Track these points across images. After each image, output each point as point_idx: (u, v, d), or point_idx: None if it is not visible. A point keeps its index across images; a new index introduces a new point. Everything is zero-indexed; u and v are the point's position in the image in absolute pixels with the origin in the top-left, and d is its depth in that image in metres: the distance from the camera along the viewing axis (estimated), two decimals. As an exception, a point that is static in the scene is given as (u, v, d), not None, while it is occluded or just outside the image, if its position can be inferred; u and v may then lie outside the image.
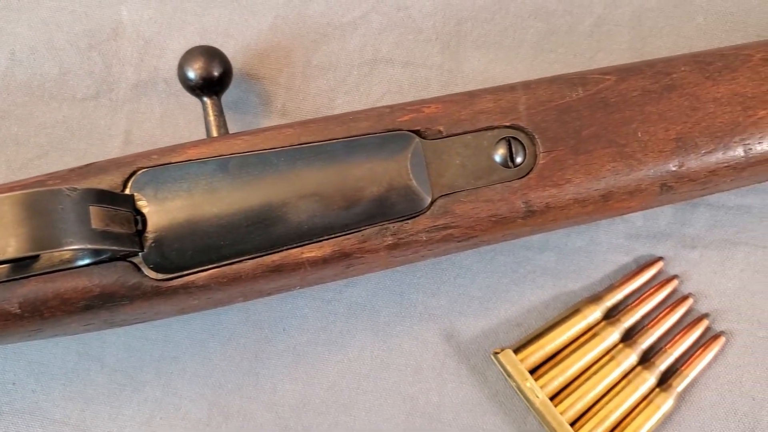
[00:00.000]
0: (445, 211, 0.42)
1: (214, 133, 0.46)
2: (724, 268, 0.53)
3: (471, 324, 0.53)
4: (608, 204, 0.43)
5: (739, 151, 0.43)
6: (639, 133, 0.43)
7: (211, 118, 0.47)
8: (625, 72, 0.44)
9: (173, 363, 0.52)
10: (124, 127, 0.54)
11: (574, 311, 0.52)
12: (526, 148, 0.43)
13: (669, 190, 0.44)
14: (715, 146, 0.43)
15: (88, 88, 0.54)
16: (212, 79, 0.48)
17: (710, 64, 0.44)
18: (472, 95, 0.43)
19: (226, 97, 0.53)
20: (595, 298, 0.52)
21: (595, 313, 0.51)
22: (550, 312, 0.53)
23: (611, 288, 0.52)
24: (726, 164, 0.43)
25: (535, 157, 0.43)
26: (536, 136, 0.43)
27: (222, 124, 0.47)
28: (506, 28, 0.55)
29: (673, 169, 0.43)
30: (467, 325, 0.53)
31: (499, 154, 0.43)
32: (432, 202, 0.42)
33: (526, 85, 0.44)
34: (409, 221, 0.42)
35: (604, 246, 0.54)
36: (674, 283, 0.53)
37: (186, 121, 0.54)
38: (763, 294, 0.53)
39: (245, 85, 0.54)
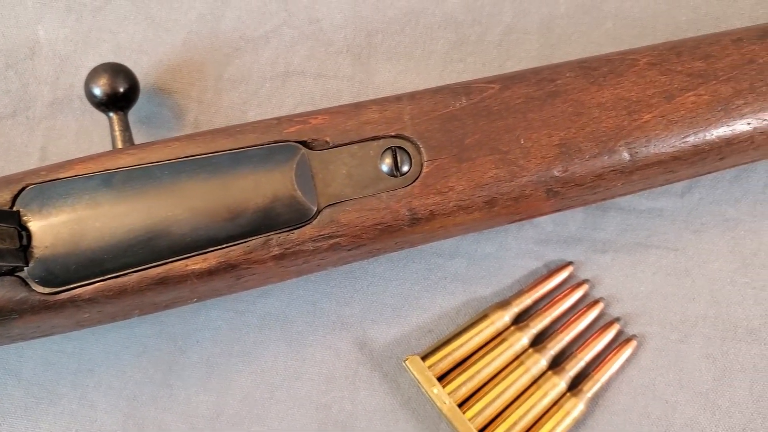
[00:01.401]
0: (330, 220, 0.43)
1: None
2: (635, 272, 0.54)
3: (384, 331, 0.53)
4: (494, 210, 0.44)
5: (625, 155, 0.44)
6: (522, 140, 0.43)
7: (117, 133, 0.48)
8: (509, 80, 0.44)
9: (89, 376, 0.53)
10: (40, 144, 0.55)
11: (482, 317, 0.52)
12: (412, 157, 0.43)
13: (556, 195, 0.44)
14: (600, 151, 0.43)
15: (5, 106, 0.55)
16: (117, 94, 0.48)
17: (596, 70, 0.45)
18: (358, 106, 0.44)
19: (140, 112, 0.54)
20: (503, 304, 0.52)
21: (503, 318, 0.52)
22: (461, 318, 0.53)
23: (520, 293, 0.53)
24: (612, 168, 0.44)
25: (421, 165, 0.43)
26: (421, 146, 0.43)
27: (128, 138, 0.48)
28: (416, 39, 0.56)
29: (558, 174, 0.43)
30: (380, 332, 0.53)
31: (386, 164, 0.43)
32: (318, 212, 0.43)
33: (412, 96, 0.44)
34: (294, 231, 0.42)
35: (513, 251, 0.54)
36: (585, 288, 0.53)
37: (100, 137, 0.55)
38: (675, 297, 0.53)
39: (158, 100, 0.55)
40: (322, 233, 0.42)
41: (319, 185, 0.43)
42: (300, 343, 0.53)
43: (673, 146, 0.44)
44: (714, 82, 0.44)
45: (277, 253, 0.42)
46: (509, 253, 0.54)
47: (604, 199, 0.47)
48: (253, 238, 0.42)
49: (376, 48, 0.56)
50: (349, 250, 0.44)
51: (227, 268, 0.42)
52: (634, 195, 0.54)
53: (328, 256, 0.44)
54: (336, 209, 0.43)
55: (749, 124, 0.44)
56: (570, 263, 0.54)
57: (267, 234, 0.42)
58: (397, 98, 0.44)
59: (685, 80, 0.44)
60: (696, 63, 0.45)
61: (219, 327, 0.53)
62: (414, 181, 0.43)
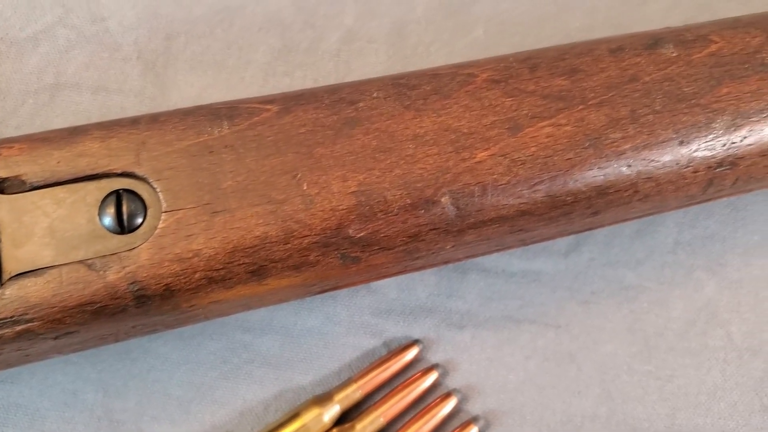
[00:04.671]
0: (18, 297, 0.29)
1: None
2: (502, 355, 0.41)
3: (167, 432, 0.40)
4: (266, 283, 0.31)
5: (449, 209, 0.31)
6: (305, 185, 0.30)
7: None
8: (293, 100, 0.32)
9: None
10: None
11: (293, 415, 0.39)
12: (147, 206, 0.30)
13: (356, 261, 0.31)
14: (413, 202, 0.31)
15: None
16: None
17: (414, 89, 0.32)
18: (74, 131, 0.31)
19: None
20: (322, 399, 0.39)
21: (320, 419, 0.38)
22: (270, 415, 0.40)
23: (348, 383, 0.39)
24: (433, 227, 0.31)
25: (158, 218, 0.30)
26: (158, 189, 0.30)
27: None
28: (230, 44, 0.43)
29: (354, 234, 0.30)
30: (162, 433, 0.40)
31: (108, 215, 0.30)
32: (0, 286, 0.29)
33: (153, 119, 0.31)
34: (-36, 313, 0.29)
35: (344, 326, 0.41)
36: (434, 375, 0.40)
37: None
38: (556, 390, 0.40)
39: None
40: (4, 317, 0.29)
41: (6, 245, 0.30)
42: (52, 446, 0.40)
43: (519, 197, 0.31)
44: (580, 107, 0.32)
45: (-59, 343, 0.29)
46: (338, 328, 0.41)
47: (434, 265, 0.34)
48: None
49: (176, 55, 0.43)
50: (55, 339, 0.30)
51: None
52: (503, 253, 0.41)
53: (26, 347, 0.31)
54: (26, 282, 0.29)
55: (630, 166, 0.32)
56: (416, 342, 0.41)
57: None
58: (133, 121, 0.31)
59: (539, 104, 0.32)
60: (557, 80, 0.32)
61: (-58, 423, 0.40)
62: (144, 242, 0.30)
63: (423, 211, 0.31)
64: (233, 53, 0.43)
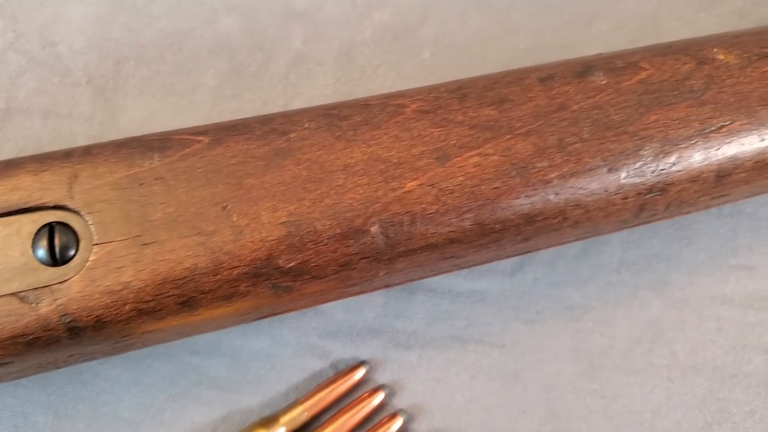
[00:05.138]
0: (-51, 329, 0.30)
1: None
2: (448, 375, 0.41)
3: (116, 454, 0.40)
4: (197, 313, 0.31)
5: (379, 238, 0.31)
6: (234, 216, 0.31)
7: None
8: (225, 131, 0.32)
9: None
10: None
11: (239, 438, 0.39)
12: (80, 238, 0.31)
13: (288, 291, 0.32)
14: (343, 231, 0.31)
15: None
16: None
17: (346, 120, 0.32)
18: (8, 165, 0.31)
19: None
20: (268, 421, 0.39)
21: (266, 441, 0.39)
22: (218, 437, 0.40)
23: (294, 404, 0.40)
24: (363, 256, 0.31)
25: (89, 251, 0.30)
26: (90, 222, 0.31)
27: None
28: (179, 68, 0.44)
29: (284, 264, 0.31)
30: (111, 455, 0.40)
31: (41, 247, 0.30)
32: (-69, 318, 0.30)
33: (86, 151, 0.32)
34: None
35: (291, 348, 0.41)
36: (380, 396, 0.40)
37: None
38: (501, 409, 0.41)
39: None
40: (-65, 348, 0.30)
41: (-62, 279, 0.30)
42: (2, 470, 0.40)
43: (447, 225, 0.32)
44: (508, 136, 0.32)
45: None
46: (285, 351, 0.41)
47: (372, 290, 0.35)
48: None
49: (125, 79, 0.43)
50: (-9, 369, 0.31)
51: None
52: (450, 273, 0.42)
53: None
54: (-41, 314, 0.30)
55: (557, 194, 0.32)
56: (363, 363, 0.41)
57: None
58: (66, 154, 0.32)
59: (466, 134, 0.32)
60: (485, 110, 0.33)
61: None
62: (76, 274, 0.30)
63: (353, 240, 0.31)
64: (182, 77, 0.43)
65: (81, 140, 0.43)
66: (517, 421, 0.41)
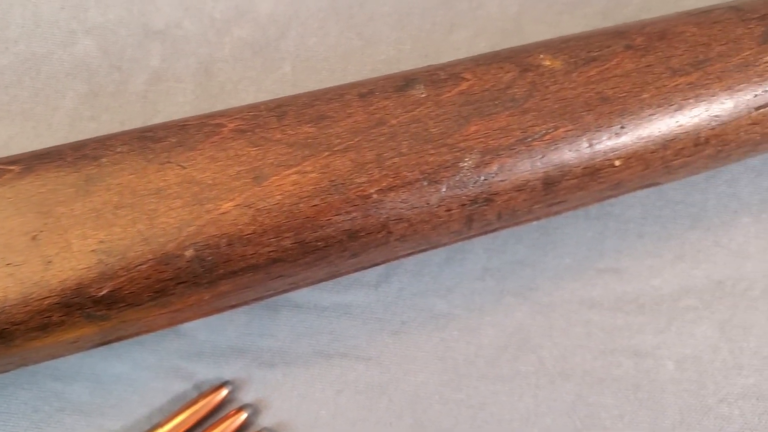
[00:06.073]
0: None
1: None
2: (314, 391, 0.41)
3: (-22, 485, 0.40)
4: (16, 346, 0.31)
5: (196, 263, 0.31)
6: (44, 246, 0.30)
7: None
8: (38, 159, 0.32)
9: None
10: None
11: (98, 465, 0.39)
12: None
13: (103, 319, 0.31)
14: (156, 258, 0.31)
15: None
16: None
17: (159, 142, 0.32)
18: None
19: None
20: (127, 446, 0.39)
21: (124, 466, 0.38)
22: (82, 463, 0.40)
23: (155, 427, 0.39)
24: (179, 280, 0.31)
25: None
26: None
27: None
28: (37, 92, 0.43)
29: (95, 293, 0.30)
30: (-26, 486, 0.40)
31: None
32: None
33: None
34: None
35: (152, 370, 0.41)
36: (243, 416, 0.40)
37: None
38: (368, 423, 0.41)
39: None
40: None
41: None
42: None
43: (267, 245, 0.31)
44: (326, 153, 0.32)
45: None
46: (147, 373, 0.41)
47: (208, 314, 0.35)
48: None
49: (-18, 106, 0.43)
50: None
51: None
52: (315, 287, 0.42)
53: None
54: None
55: (378, 209, 0.32)
56: (226, 383, 0.41)
57: None
58: None
59: (284, 152, 0.32)
60: (304, 128, 0.32)
61: None
62: None
63: (167, 265, 0.31)
64: (41, 101, 0.43)
65: (-63, 169, 0.42)
66: (385, 435, 0.40)
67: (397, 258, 0.35)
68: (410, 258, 0.38)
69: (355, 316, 0.42)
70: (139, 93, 0.43)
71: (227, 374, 0.41)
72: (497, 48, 0.41)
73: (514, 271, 0.42)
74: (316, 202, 0.31)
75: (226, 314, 0.41)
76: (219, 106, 0.43)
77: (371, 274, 0.42)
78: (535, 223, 0.40)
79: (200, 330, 0.41)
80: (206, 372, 0.41)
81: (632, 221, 0.43)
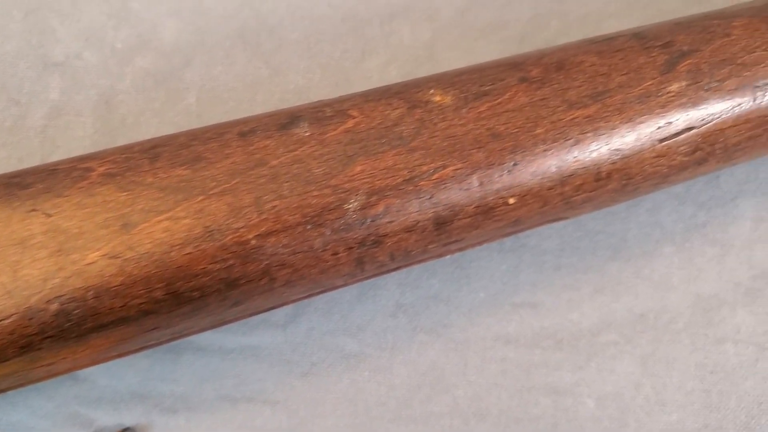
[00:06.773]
0: None
1: None
2: (218, 437, 0.39)
3: None
4: None
5: (61, 317, 0.29)
6: None
7: None
8: None
9: None
10: None
11: None
12: None
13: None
14: (18, 311, 0.29)
15: None
16: None
17: (26, 188, 0.30)
18: None
19: None
20: (18, 500, 0.37)
21: None
22: None
23: (50, 481, 0.38)
24: (46, 335, 0.29)
25: None
26: None
27: None
28: (-70, 127, 0.41)
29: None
30: None
31: None
32: None
33: None
34: None
35: (50, 418, 0.39)
36: (143, 466, 0.38)
37: None
38: (275, 468, 0.39)
39: None
40: None
41: None
42: None
43: (136, 297, 0.30)
44: (201, 197, 0.30)
45: None
46: (44, 422, 0.39)
47: (82, 367, 0.33)
48: None
49: None
50: None
51: None
52: (219, 329, 0.40)
53: None
54: None
55: (256, 255, 0.30)
56: (127, 429, 0.39)
57: None
58: None
59: (156, 197, 0.30)
60: (177, 170, 0.31)
61: None
62: None
63: (30, 320, 0.29)
64: (-65, 137, 0.41)
65: None
66: (293, 481, 0.39)
67: (289, 302, 0.34)
68: (320, 296, 0.37)
69: (262, 359, 0.40)
70: (38, 128, 0.42)
71: (128, 421, 0.39)
72: (409, 76, 0.39)
73: (428, 307, 0.41)
74: (189, 249, 0.30)
75: (126, 358, 0.39)
76: (120, 140, 0.41)
77: (279, 313, 0.40)
78: (448, 257, 0.39)
79: (99, 375, 0.40)
80: (106, 419, 0.39)
81: (549, 253, 0.42)
